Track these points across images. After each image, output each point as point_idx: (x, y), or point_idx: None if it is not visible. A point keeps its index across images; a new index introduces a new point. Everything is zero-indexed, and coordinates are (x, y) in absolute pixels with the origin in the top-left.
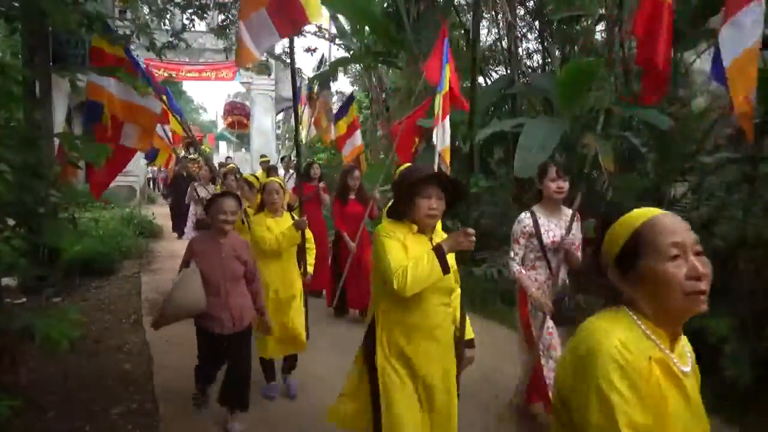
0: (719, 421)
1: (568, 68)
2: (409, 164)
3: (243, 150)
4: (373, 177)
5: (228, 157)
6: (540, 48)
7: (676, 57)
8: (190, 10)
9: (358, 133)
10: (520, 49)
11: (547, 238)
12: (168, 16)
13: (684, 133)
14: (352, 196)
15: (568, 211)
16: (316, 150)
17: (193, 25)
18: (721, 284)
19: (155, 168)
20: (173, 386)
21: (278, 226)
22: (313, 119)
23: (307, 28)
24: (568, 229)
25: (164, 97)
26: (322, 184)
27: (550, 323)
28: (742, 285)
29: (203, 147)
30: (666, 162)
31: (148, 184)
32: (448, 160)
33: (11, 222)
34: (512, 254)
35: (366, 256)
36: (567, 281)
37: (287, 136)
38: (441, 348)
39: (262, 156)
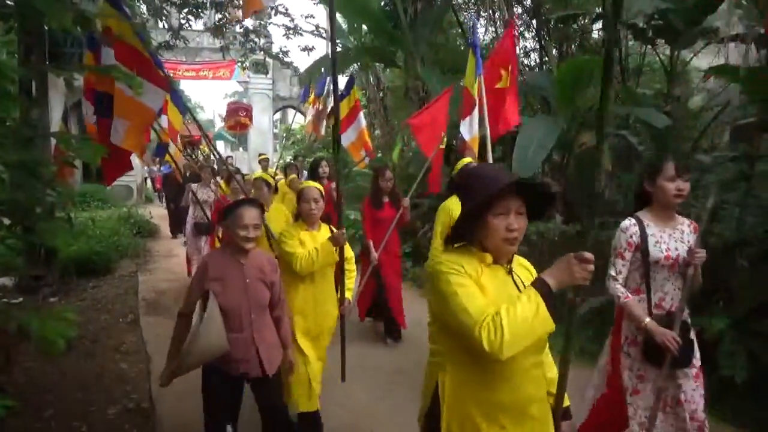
0: (715, 418)
1: (565, 67)
2: (467, 161)
3: (240, 149)
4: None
5: (229, 156)
6: (537, 46)
7: (673, 55)
8: (186, 9)
9: (361, 116)
10: (517, 48)
11: (658, 253)
12: (165, 14)
13: (681, 131)
14: (386, 199)
15: (683, 220)
16: (315, 149)
17: (190, 25)
18: (718, 282)
19: (154, 167)
20: (170, 386)
21: (314, 242)
22: (312, 120)
23: (304, 26)
24: (697, 242)
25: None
26: (333, 185)
27: (639, 363)
28: (739, 283)
29: (202, 147)
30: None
31: (145, 183)
32: (476, 150)
33: (7, 221)
34: (614, 272)
35: (395, 268)
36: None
37: (285, 135)
38: (539, 429)
39: (261, 154)
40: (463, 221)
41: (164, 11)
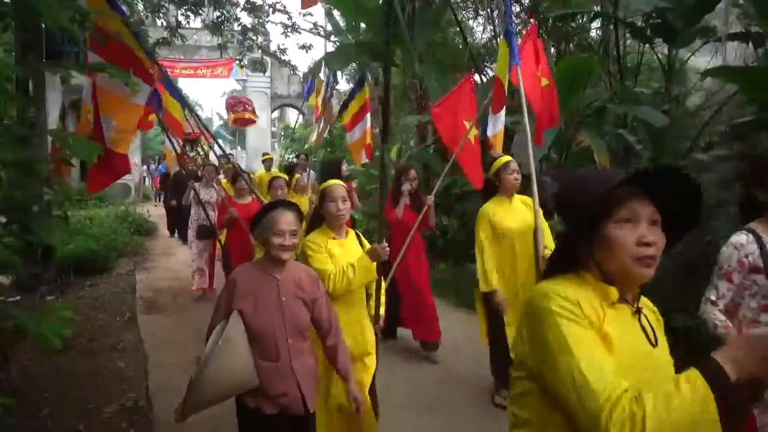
0: None
1: (563, 65)
2: (506, 160)
3: (238, 148)
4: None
5: (230, 154)
6: None
7: (671, 54)
8: (185, 7)
9: (368, 117)
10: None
11: None
12: (163, 11)
13: (678, 130)
14: (407, 201)
15: None
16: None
17: (188, 22)
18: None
19: (153, 166)
20: (167, 383)
21: (346, 253)
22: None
23: (302, 24)
24: None
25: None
26: (354, 185)
27: None
28: None
29: (202, 144)
30: (661, 159)
31: (143, 182)
32: (499, 148)
33: (3, 219)
34: (714, 295)
35: (416, 273)
36: None
37: (282, 133)
38: None
39: (265, 154)
40: (571, 238)
41: (162, 7)
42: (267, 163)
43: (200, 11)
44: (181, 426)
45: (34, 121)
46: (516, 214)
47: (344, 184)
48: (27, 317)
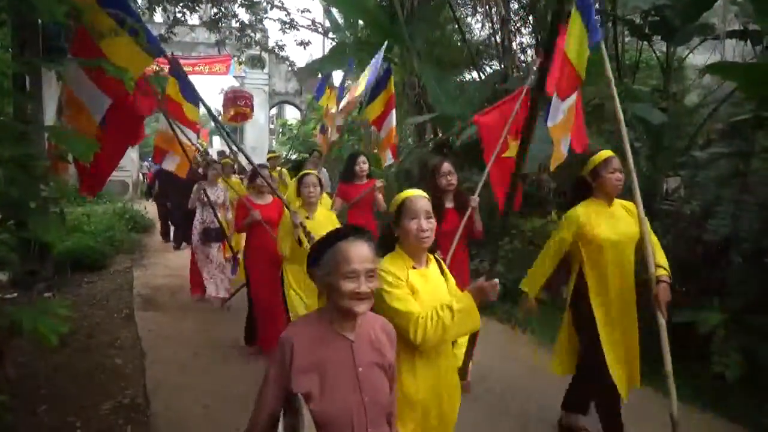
0: (710, 416)
1: None
2: (607, 155)
3: None
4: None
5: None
6: (534, 42)
7: (669, 52)
8: (181, 3)
9: (393, 114)
10: (513, 44)
11: None
12: (160, 7)
13: (677, 128)
14: (449, 204)
15: None
16: (314, 144)
17: (186, 19)
18: (713, 278)
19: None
20: (165, 381)
21: (430, 287)
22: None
23: (300, 21)
24: None
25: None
26: (379, 183)
27: None
28: (733, 278)
29: (200, 141)
30: (659, 157)
31: (142, 180)
32: (558, 139)
33: None
34: None
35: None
36: None
37: (281, 130)
38: None
39: (270, 152)
40: None
41: (161, 3)
42: (273, 161)
43: (197, 8)
44: (178, 424)
45: (31, 118)
46: (617, 222)
47: (427, 196)
48: (23, 314)
